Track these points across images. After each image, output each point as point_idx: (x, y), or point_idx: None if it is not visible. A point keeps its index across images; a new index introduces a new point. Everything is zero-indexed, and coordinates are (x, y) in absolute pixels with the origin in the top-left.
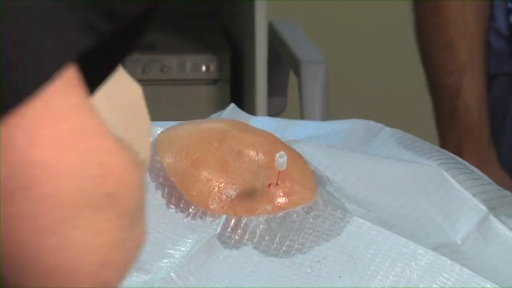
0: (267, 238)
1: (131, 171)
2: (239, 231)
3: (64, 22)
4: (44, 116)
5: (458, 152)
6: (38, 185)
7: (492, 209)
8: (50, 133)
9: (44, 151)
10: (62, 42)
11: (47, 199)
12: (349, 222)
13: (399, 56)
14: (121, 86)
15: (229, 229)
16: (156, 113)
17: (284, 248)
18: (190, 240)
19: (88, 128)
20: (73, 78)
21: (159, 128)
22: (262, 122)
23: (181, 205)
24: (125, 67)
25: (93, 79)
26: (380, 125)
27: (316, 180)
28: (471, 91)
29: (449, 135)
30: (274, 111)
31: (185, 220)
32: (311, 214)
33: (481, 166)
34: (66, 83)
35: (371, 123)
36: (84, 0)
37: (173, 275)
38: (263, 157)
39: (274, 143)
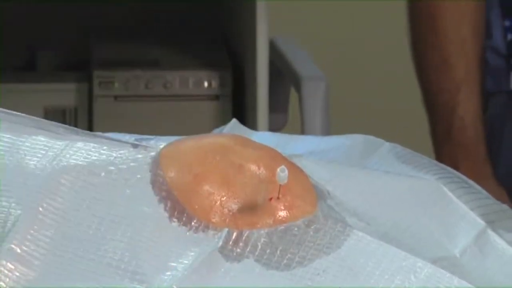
0: (268, 251)
1: None
2: (241, 244)
3: None
4: None
5: (455, 167)
6: None
7: (490, 223)
8: None
9: None
10: None
11: None
12: (349, 236)
13: (398, 73)
14: None
15: (231, 242)
16: (159, 128)
17: (285, 261)
18: (192, 253)
19: None
20: None
21: (162, 143)
22: (263, 137)
23: (184, 218)
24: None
25: None
26: (379, 140)
27: (317, 194)
28: (467, 108)
29: (445, 151)
30: (275, 127)
31: (188, 233)
32: (312, 227)
33: (478, 181)
34: None
35: (371, 138)
36: None
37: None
38: (264, 172)
39: (275, 157)
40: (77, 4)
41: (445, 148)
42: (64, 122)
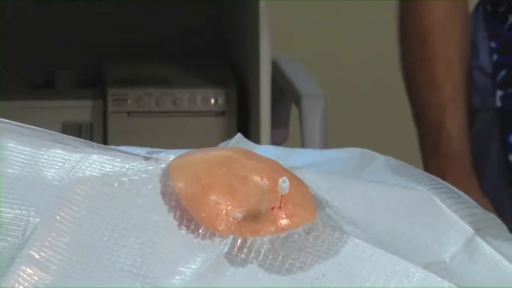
0: (270, 256)
1: None
2: (245, 250)
3: None
4: None
5: (442, 179)
6: None
7: (478, 230)
8: None
9: None
10: None
11: None
12: (347, 242)
13: (390, 91)
14: None
15: (235, 249)
16: (169, 142)
17: (286, 266)
18: (199, 259)
19: None
20: None
21: (171, 155)
22: (266, 150)
23: (192, 226)
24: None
25: None
26: (374, 153)
27: (316, 204)
28: (454, 123)
29: (433, 164)
30: (277, 141)
31: (195, 240)
32: (311, 234)
33: (464, 192)
34: None
35: (366, 151)
36: None
37: None
38: (267, 182)
39: (277, 169)
40: (92, 27)
41: (433, 161)
42: (80, 136)
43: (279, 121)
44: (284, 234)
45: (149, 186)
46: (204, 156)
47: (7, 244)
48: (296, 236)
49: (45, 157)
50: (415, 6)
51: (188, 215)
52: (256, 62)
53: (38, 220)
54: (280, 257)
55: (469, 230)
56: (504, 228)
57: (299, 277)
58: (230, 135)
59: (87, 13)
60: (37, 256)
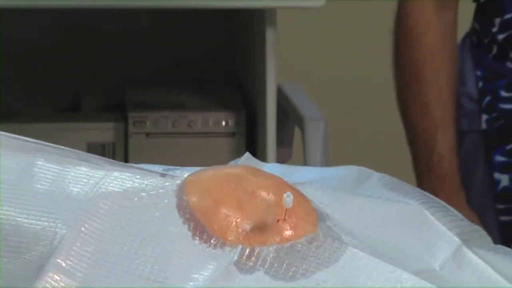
0: (276, 264)
1: None
2: (253, 258)
3: None
4: None
5: (433, 195)
6: None
7: (465, 241)
8: None
9: None
10: None
11: None
12: (345, 252)
13: (386, 114)
14: None
15: (244, 257)
16: (184, 160)
17: (290, 273)
18: (211, 267)
19: None
20: None
21: (186, 172)
22: (272, 168)
23: (204, 237)
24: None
25: None
26: (370, 170)
27: (318, 216)
28: (444, 145)
29: (426, 181)
30: (282, 159)
31: (208, 249)
32: (313, 244)
33: (453, 207)
34: None
35: (363, 169)
36: None
37: None
38: (273, 197)
39: (282, 185)
40: (115, 58)
41: (425, 178)
42: (103, 155)
43: (284, 142)
44: (288, 244)
45: (166, 201)
46: (216, 173)
47: (36, 253)
48: (300, 246)
49: (71, 174)
50: (408, 40)
51: (201, 226)
52: (263, 88)
53: (64, 231)
54: (284, 265)
55: (457, 240)
56: (488, 239)
57: (302, 283)
58: (239, 154)
59: (112, 48)
60: (63, 264)
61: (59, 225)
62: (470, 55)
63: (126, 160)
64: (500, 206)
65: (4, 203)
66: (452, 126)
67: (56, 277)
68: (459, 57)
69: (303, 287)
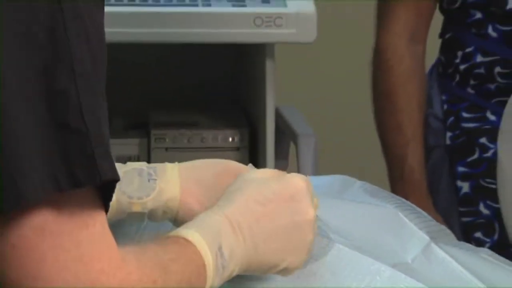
0: None
1: (124, 285)
2: None
3: (41, 170)
4: (53, 245)
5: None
6: None
7: (433, 238)
8: (57, 258)
9: (50, 270)
10: (35, 182)
11: None
12: (333, 247)
13: (367, 131)
14: None
15: None
16: None
17: None
18: None
19: (86, 255)
20: (85, 207)
21: None
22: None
23: None
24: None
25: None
26: (353, 179)
27: None
28: (414, 158)
29: (398, 188)
30: (280, 169)
31: None
32: None
33: (422, 210)
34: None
35: (347, 177)
36: (53, 160)
37: None
38: None
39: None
40: (140, 85)
41: (398, 185)
42: None
43: (281, 154)
44: None
45: None
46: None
47: None
48: None
49: None
50: (384, 69)
51: None
52: (263, 110)
53: None
54: None
55: (426, 238)
56: (453, 237)
57: (296, 274)
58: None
59: (138, 76)
60: None
61: None
62: (436, 82)
63: None
64: (462, 209)
65: None
66: (421, 142)
67: None
68: (427, 84)
69: (300, 287)
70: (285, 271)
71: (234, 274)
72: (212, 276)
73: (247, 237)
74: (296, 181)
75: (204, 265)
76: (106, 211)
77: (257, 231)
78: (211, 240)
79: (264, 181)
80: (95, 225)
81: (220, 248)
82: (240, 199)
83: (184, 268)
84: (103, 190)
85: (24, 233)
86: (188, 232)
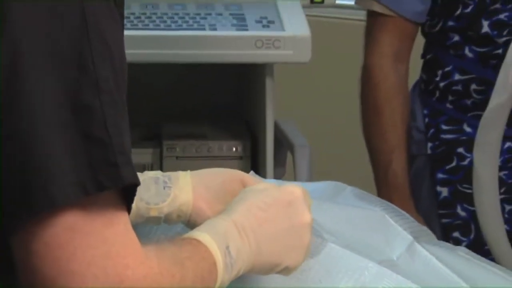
0: None
1: (147, 278)
2: None
3: (69, 175)
4: (82, 243)
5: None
6: (71, 284)
7: (416, 238)
8: (86, 255)
9: (80, 266)
10: (65, 186)
11: None
12: (326, 246)
13: (356, 141)
14: None
15: None
16: None
17: None
18: None
19: (112, 252)
20: (110, 207)
21: None
22: (270, 182)
23: None
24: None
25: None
26: (344, 185)
27: None
28: (398, 164)
29: (384, 192)
30: (278, 176)
31: None
32: None
33: (405, 212)
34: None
35: (339, 183)
36: (81, 167)
37: None
38: None
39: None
40: (153, 101)
41: (383, 189)
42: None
43: (279, 163)
44: None
45: None
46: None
47: None
48: None
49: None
50: (371, 86)
51: None
52: (263, 123)
53: None
54: None
55: (410, 237)
56: (433, 237)
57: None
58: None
59: (150, 93)
60: None
61: None
62: (419, 98)
63: None
64: (441, 212)
65: None
66: (404, 151)
67: None
68: (410, 100)
69: (297, 287)
70: (285, 270)
71: (241, 273)
72: (222, 273)
73: (251, 239)
74: (293, 189)
75: (214, 263)
76: (129, 212)
77: (260, 234)
78: (220, 241)
79: (265, 190)
80: (119, 224)
81: (228, 248)
82: (244, 206)
83: (198, 266)
84: (125, 193)
85: (56, 232)
86: (200, 234)
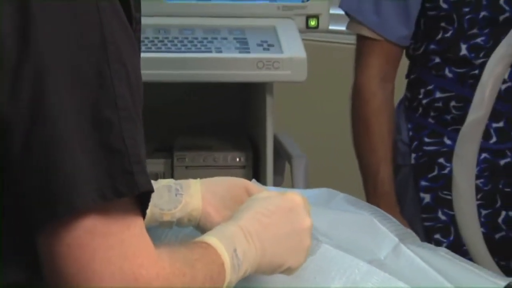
0: None
1: (160, 277)
2: None
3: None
4: (101, 244)
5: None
6: (91, 282)
7: (401, 240)
8: (105, 255)
9: (100, 265)
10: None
11: None
12: (320, 247)
13: (347, 153)
14: None
15: None
16: None
17: None
18: None
19: (128, 252)
20: (127, 213)
21: None
22: (270, 189)
23: None
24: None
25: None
26: (337, 191)
27: None
28: (385, 174)
29: (372, 199)
30: (277, 184)
31: None
32: None
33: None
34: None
35: (332, 190)
36: (100, 175)
37: None
38: None
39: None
40: (165, 117)
41: (372, 197)
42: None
43: (278, 172)
44: None
45: None
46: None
47: None
48: None
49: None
50: (360, 103)
51: None
52: (264, 136)
53: None
54: None
55: (396, 239)
56: (417, 239)
57: None
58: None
59: (163, 110)
60: None
61: None
62: (403, 114)
63: None
64: (424, 216)
65: None
66: (390, 161)
67: None
68: (396, 115)
69: (294, 284)
70: (288, 270)
71: (247, 273)
72: (230, 273)
73: (256, 242)
74: (294, 197)
75: (223, 264)
76: (144, 216)
77: (264, 238)
78: (228, 245)
79: (268, 198)
80: (135, 228)
81: (235, 251)
82: (250, 213)
83: (207, 267)
84: (141, 200)
85: (77, 234)
86: (210, 238)
